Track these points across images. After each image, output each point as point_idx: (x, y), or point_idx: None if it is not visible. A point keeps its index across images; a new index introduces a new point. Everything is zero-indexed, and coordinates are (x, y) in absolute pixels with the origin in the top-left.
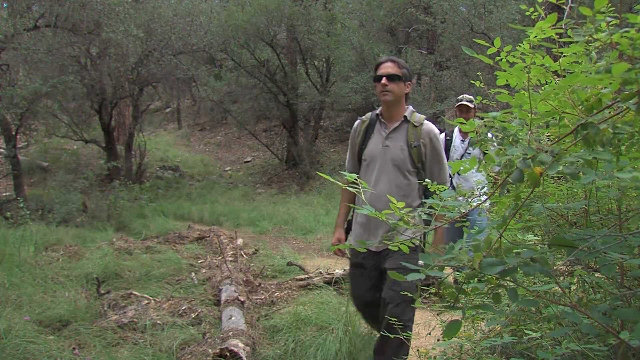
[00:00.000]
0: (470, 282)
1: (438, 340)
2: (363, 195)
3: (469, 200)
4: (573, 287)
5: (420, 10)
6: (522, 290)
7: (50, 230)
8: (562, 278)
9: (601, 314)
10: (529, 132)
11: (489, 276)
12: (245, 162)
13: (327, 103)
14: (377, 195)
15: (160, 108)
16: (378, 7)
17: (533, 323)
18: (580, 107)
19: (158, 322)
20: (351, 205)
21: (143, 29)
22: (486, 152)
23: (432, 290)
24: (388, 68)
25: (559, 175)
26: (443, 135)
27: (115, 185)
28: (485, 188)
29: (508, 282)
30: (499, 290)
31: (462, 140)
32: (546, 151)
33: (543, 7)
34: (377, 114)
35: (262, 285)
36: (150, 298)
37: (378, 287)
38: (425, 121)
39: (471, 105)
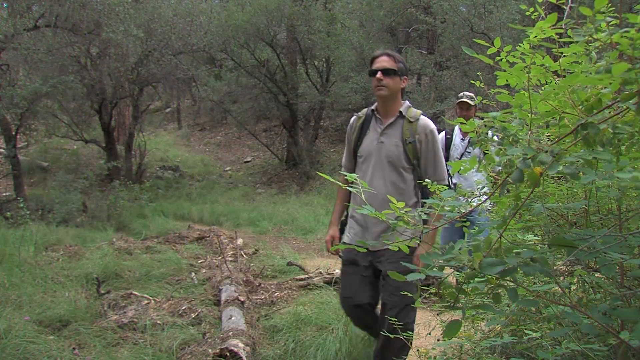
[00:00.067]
0: (470, 282)
1: (438, 340)
2: (360, 194)
3: (469, 200)
4: (573, 287)
5: (420, 10)
6: (522, 290)
7: (50, 230)
8: (562, 278)
9: (601, 314)
10: (529, 132)
11: (489, 276)
12: (245, 162)
13: (327, 103)
14: (372, 192)
15: (160, 108)
16: (378, 7)
17: (533, 323)
18: (580, 107)
19: (158, 322)
20: (347, 203)
21: (143, 29)
22: (486, 152)
23: (432, 290)
24: (383, 62)
25: (559, 175)
26: (443, 133)
27: (115, 185)
28: (486, 188)
29: (508, 282)
30: (499, 290)
31: (462, 139)
32: (546, 151)
33: (543, 7)
34: (373, 110)
35: (262, 285)
36: (150, 298)
37: (371, 289)
38: (422, 116)
39: (472, 103)
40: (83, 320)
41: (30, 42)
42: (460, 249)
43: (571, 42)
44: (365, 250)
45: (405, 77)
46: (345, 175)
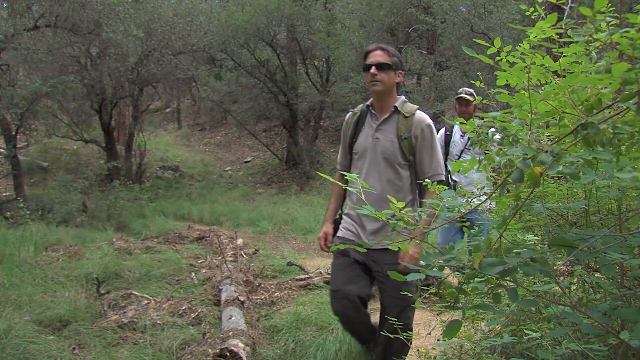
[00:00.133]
0: (470, 282)
1: (438, 340)
2: (356, 192)
3: (469, 200)
4: (573, 287)
5: (420, 10)
6: (522, 290)
7: (50, 230)
8: (562, 278)
9: (601, 314)
10: (529, 132)
11: (489, 276)
12: (245, 162)
13: (327, 103)
14: (368, 190)
15: (160, 108)
16: (378, 7)
17: (533, 323)
18: (580, 107)
19: (158, 322)
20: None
21: (143, 29)
22: (487, 152)
23: (432, 290)
24: (377, 56)
25: (559, 175)
26: (443, 130)
27: (115, 185)
28: (486, 188)
29: (508, 282)
30: (499, 290)
31: (461, 136)
32: (546, 151)
33: (543, 7)
34: (368, 105)
35: (262, 285)
36: (150, 298)
37: (361, 281)
38: (418, 111)
39: (471, 99)
40: (83, 320)
41: (30, 42)
42: (460, 249)
43: (571, 42)
44: (365, 251)
45: (400, 71)
46: (341, 172)
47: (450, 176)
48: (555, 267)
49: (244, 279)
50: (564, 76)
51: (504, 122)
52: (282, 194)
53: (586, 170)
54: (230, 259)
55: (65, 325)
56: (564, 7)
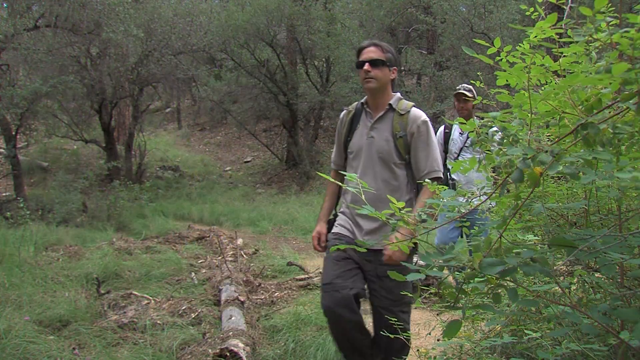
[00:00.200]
0: (470, 282)
1: (438, 340)
2: (353, 191)
3: (470, 200)
4: (573, 287)
5: (420, 10)
6: (522, 290)
7: (50, 230)
8: (562, 278)
9: (601, 314)
10: (529, 132)
11: (489, 276)
12: (245, 162)
13: (327, 103)
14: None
15: (160, 108)
16: (378, 7)
17: (533, 323)
18: (580, 107)
19: (158, 322)
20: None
21: (143, 29)
22: (487, 152)
23: (432, 290)
24: (371, 53)
25: (559, 175)
26: (442, 127)
27: (115, 185)
28: (486, 187)
29: (508, 282)
30: (499, 290)
31: (460, 133)
32: (546, 151)
33: (543, 7)
34: (363, 103)
35: (262, 285)
36: (150, 298)
37: (354, 276)
38: (413, 108)
39: (469, 95)
40: (83, 320)
41: (30, 42)
42: (460, 249)
43: (571, 42)
44: (365, 251)
45: (394, 67)
46: (336, 171)
47: (450, 175)
48: (555, 267)
49: (244, 279)
50: (564, 76)
51: (504, 122)
52: (282, 194)
53: (586, 170)
54: (230, 259)
55: (65, 325)
56: (564, 7)
